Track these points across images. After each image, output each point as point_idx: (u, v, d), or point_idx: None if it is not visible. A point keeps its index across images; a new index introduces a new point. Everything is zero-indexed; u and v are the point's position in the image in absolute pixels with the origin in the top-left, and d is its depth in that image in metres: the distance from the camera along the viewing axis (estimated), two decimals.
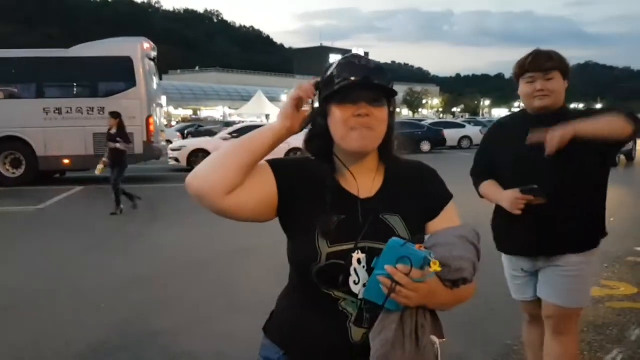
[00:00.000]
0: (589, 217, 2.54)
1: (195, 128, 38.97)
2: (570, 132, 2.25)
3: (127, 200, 9.77)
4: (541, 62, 2.43)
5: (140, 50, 13.76)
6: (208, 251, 6.80)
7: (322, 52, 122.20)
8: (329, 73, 1.34)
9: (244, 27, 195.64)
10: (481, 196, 2.77)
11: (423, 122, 27.68)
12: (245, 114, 52.95)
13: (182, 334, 4.14)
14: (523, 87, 2.50)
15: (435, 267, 1.18)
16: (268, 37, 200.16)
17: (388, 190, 1.39)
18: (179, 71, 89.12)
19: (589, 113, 2.53)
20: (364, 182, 1.39)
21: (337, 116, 1.32)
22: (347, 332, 1.31)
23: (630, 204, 10.17)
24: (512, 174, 2.57)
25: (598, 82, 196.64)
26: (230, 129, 18.62)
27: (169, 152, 17.00)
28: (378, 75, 1.31)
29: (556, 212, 2.45)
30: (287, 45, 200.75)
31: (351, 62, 1.34)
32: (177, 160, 17.22)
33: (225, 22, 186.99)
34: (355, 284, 1.30)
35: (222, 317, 4.53)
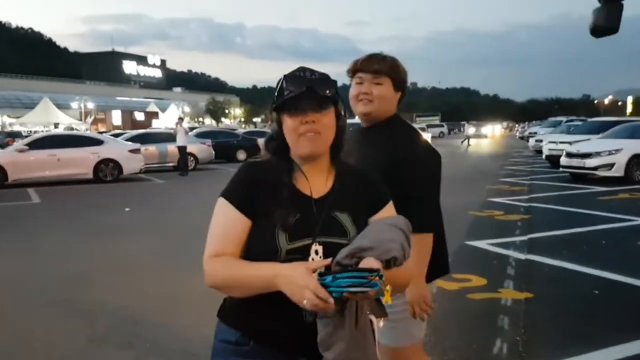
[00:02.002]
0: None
1: None
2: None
3: None
4: (372, 63, 2.22)
5: None
6: (34, 283, 5.85)
7: (115, 57, 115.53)
8: (279, 85, 1.49)
9: (22, 28, 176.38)
10: None
11: (237, 131, 27.74)
12: (29, 123, 47.63)
13: None
14: (352, 88, 2.30)
15: (388, 295, 1.33)
16: (50, 39, 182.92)
17: (338, 190, 1.55)
18: None
19: (411, 132, 2.31)
20: (317, 182, 1.54)
21: (288, 124, 1.49)
22: (300, 314, 1.42)
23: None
24: None
25: None
26: (27, 140, 16.51)
27: None
28: (322, 84, 1.48)
29: None
30: (72, 49, 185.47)
31: (296, 75, 1.49)
32: None
33: None
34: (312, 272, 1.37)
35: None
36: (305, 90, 1.45)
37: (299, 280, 1.30)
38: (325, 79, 1.50)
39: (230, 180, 1.56)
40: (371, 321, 1.47)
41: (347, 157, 1.72)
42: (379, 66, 2.20)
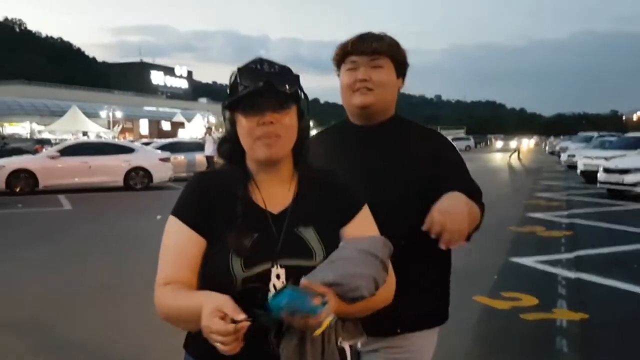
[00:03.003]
0: (436, 279, 1.86)
1: (0, 146, 34.73)
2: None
3: None
4: (367, 42, 1.75)
5: None
6: (68, 291, 5.75)
7: (143, 68, 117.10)
8: (232, 80, 1.30)
9: (51, 37, 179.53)
10: None
11: None
12: (58, 131, 48.38)
13: None
14: (343, 77, 1.80)
15: (324, 326, 1.14)
16: (79, 49, 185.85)
17: (302, 201, 1.35)
18: None
19: (429, 133, 1.89)
20: (277, 193, 1.35)
21: (243, 126, 1.29)
22: (267, 345, 1.22)
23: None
24: None
25: (398, 109, 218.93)
26: (59, 147, 16.67)
27: None
28: (282, 79, 1.28)
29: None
30: (100, 59, 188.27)
31: (251, 68, 1.29)
32: None
33: (30, 32, 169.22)
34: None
35: None
36: (263, 86, 1.25)
37: (204, 320, 1.12)
38: (286, 73, 1.31)
39: (179, 196, 1.37)
40: (343, 349, 1.30)
41: (345, 163, 1.54)
42: (378, 45, 1.75)
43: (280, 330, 1.20)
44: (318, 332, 1.15)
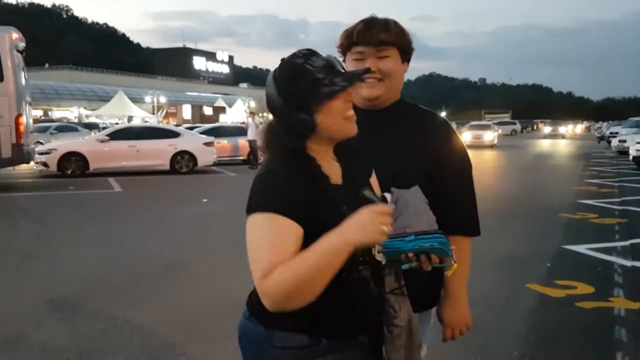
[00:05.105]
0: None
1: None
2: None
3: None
4: (375, 33, 1.73)
5: (8, 40, 12.07)
6: (128, 270, 5.91)
7: (186, 53, 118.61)
8: (310, 78, 1.36)
9: (97, 23, 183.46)
10: None
11: None
12: (105, 115, 49.60)
13: None
14: (349, 67, 1.77)
15: (452, 270, 1.41)
16: (124, 35, 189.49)
17: (348, 171, 1.50)
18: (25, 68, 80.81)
19: (427, 115, 1.88)
20: (332, 169, 1.46)
21: (336, 110, 1.39)
22: (371, 297, 1.43)
23: (534, 203, 10.72)
24: None
25: (440, 92, 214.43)
26: (108, 131, 17.03)
27: (36, 155, 15.10)
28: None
29: None
30: (144, 45, 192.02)
31: (333, 63, 1.40)
32: (45, 165, 15.40)
33: (76, 18, 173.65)
34: (379, 252, 1.44)
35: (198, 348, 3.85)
36: (362, 74, 1.46)
37: (365, 215, 1.25)
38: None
39: (264, 193, 1.36)
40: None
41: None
42: (385, 36, 1.73)
43: (381, 277, 1.45)
44: (450, 272, 1.40)
